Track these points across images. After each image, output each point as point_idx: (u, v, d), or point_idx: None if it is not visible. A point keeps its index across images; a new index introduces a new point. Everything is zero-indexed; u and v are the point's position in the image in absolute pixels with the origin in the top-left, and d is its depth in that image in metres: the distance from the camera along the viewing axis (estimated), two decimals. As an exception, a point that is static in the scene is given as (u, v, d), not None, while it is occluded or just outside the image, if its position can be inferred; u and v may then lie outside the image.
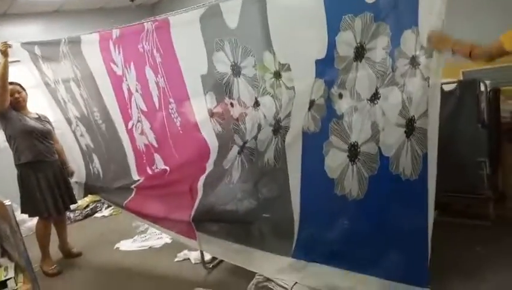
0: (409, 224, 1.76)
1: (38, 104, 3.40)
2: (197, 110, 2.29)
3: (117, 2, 5.48)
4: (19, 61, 3.25)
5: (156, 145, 2.65)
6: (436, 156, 1.65)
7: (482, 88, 2.72)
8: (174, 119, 2.42)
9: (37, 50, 3.11)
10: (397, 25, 1.65)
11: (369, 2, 1.65)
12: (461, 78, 3.06)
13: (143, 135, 2.69)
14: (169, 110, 2.42)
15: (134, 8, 5.77)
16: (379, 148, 1.78)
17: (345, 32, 1.70)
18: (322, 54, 1.77)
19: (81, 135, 3.32)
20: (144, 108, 2.59)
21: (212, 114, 2.24)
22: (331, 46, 1.74)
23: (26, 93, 3.23)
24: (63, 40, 2.88)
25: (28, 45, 3.13)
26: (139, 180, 2.84)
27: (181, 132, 2.43)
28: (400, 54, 1.66)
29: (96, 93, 2.90)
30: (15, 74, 3.12)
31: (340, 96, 1.80)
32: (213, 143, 2.25)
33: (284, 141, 1.99)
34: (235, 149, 2.19)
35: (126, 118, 2.76)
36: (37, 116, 3.25)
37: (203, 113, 2.26)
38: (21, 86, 3.21)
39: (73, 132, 3.37)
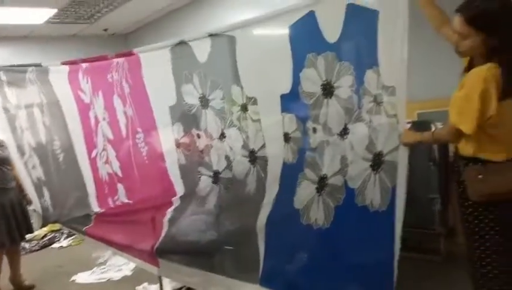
0: (376, 255, 1.80)
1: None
2: (164, 141, 2.34)
3: (90, 30, 5.53)
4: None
5: (120, 175, 2.65)
6: (405, 188, 1.71)
7: (433, 129, 2.92)
8: (141, 149, 2.45)
9: (2, 76, 3.07)
10: (359, 64, 1.77)
11: (330, 42, 1.78)
12: (416, 118, 3.27)
13: (107, 163, 2.68)
14: (136, 140, 2.45)
15: (107, 37, 5.84)
16: (345, 180, 1.86)
17: (309, 69, 1.83)
18: (287, 89, 1.90)
19: (33, 167, 3.19)
20: (111, 136, 2.60)
21: (178, 144, 2.30)
22: (295, 82, 1.87)
23: None
24: (30, 68, 2.87)
25: None
26: (98, 211, 2.80)
27: (146, 161, 2.45)
28: (365, 92, 1.77)
29: (61, 121, 2.87)
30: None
31: (314, 130, 1.89)
32: (176, 175, 2.29)
33: (265, 171, 2.05)
34: (207, 179, 2.24)
35: (90, 146, 2.75)
36: None
37: (169, 143, 2.31)
38: None
39: (25, 164, 3.23)
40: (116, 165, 2.64)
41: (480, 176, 1.59)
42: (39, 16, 4.66)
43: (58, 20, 4.87)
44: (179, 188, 2.33)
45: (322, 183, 1.91)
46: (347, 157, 1.85)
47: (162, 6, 5.03)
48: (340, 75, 1.79)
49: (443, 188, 2.92)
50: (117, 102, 2.47)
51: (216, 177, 2.23)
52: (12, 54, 5.28)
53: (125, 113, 2.46)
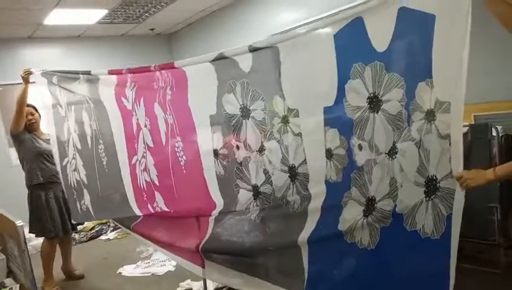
0: (427, 282, 1.69)
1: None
2: (202, 149, 2.33)
3: (137, 30, 5.68)
4: (33, 82, 3.22)
5: (157, 183, 2.66)
6: (461, 216, 1.56)
7: (494, 133, 2.73)
8: (179, 158, 2.45)
9: (55, 79, 3.16)
10: (411, 76, 1.60)
11: (379, 51, 1.63)
12: (473, 121, 3.07)
13: (145, 171, 2.70)
14: (175, 148, 2.45)
15: (153, 37, 5.99)
16: (395, 205, 1.72)
17: (355, 80, 1.69)
18: (330, 102, 1.79)
19: (75, 170, 3.20)
20: (151, 144, 2.61)
21: (217, 155, 2.27)
22: (340, 94, 1.75)
23: (39, 115, 3.31)
24: (81, 76, 2.93)
25: (48, 74, 3.19)
26: (140, 216, 2.84)
27: (184, 171, 2.45)
28: (416, 108, 1.60)
29: (106, 125, 2.90)
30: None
31: (360, 147, 1.76)
32: (214, 186, 2.29)
33: (306, 188, 1.98)
34: (246, 193, 2.20)
35: (131, 152, 2.77)
36: (49, 137, 3.32)
37: (208, 152, 2.30)
38: (34, 108, 3.29)
39: (64, 166, 3.25)
40: (154, 174, 2.65)
41: None
42: (91, 16, 4.84)
43: (108, 20, 5.03)
44: (217, 200, 2.32)
45: (370, 206, 1.78)
46: (396, 179, 1.69)
47: (205, 7, 5.08)
48: (389, 88, 1.63)
49: (505, 197, 2.72)
50: (158, 109, 2.48)
51: (256, 191, 2.17)
52: (64, 54, 5.53)
53: (165, 120, 2.46)
